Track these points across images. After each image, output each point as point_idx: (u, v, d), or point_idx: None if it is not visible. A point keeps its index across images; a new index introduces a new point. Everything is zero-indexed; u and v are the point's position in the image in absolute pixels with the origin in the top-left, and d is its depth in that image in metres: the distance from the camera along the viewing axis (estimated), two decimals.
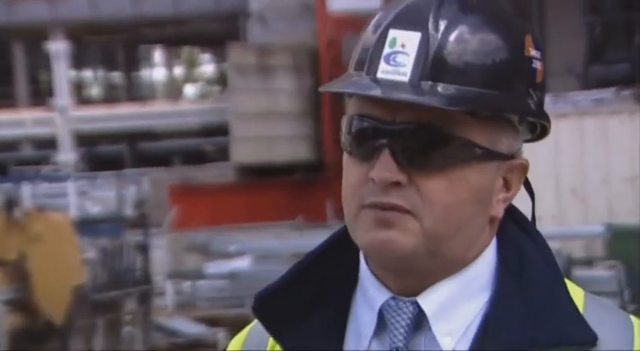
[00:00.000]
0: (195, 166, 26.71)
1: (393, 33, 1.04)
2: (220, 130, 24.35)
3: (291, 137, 20.60)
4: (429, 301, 1.06)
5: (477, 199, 1.05)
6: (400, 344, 1.06)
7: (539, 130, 1.12)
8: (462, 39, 1.04)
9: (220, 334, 11.06)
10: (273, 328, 1.11)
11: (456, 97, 1.02)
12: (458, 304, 1.06)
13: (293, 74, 20.67)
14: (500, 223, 1.10)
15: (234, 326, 11.43)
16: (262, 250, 12.67)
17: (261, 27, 23.65)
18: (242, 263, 12.43)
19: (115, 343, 9.94)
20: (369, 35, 1.07)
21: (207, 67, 46.10)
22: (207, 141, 30.05)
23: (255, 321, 1.16)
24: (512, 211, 1.11)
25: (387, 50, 1.04)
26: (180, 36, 35.62)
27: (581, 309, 1.07)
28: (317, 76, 20.82)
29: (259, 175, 20.88)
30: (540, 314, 1.05)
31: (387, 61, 1.04)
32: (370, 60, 1.05)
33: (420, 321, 1.06)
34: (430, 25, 1.04)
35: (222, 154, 25.01)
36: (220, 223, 16.17)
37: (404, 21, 1.05)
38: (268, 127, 20.24)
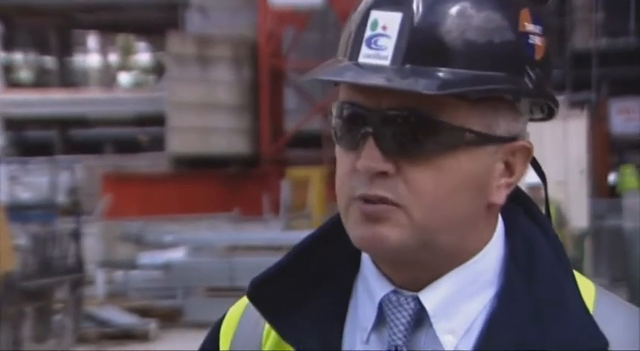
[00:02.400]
0: (128, 154, 26.53)
1: (374, 14, 0.99)
2: (155, 120, 24.20)
3: (228, 129, 20.55)
4: (431, 297, 1.01)
5: (471, 187, 1.00)
6: (399, 342, 1.01)
7: (547, 109, 1.06)
8: (448, 17, 0.98)
9: (152, 324, 11.02)
10: (269, 314, 1.07)
11: (442, 81, 0.97)
12: (461, 301, 1.01)
13: (232, 66, 20.63)
14: (508, 212, 1.05)
15: (166, 317, 11.47)
16: (197, 242, 12.65)
17: (200, 17, 23.53)
18: (176, 254, 12.40)
19: (44, 331, 9.87)
20: (353, 18, 1.01)
21: (143, 56, 45.61)
22: (142, 130, 29.84)
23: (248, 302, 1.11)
24: (523, 201, 1.07)
25: (368, 33, 0.99)
26: (116, 22, 35.16)
27: (591, 305, 1.02)
28: (256, 69, 20.82)
29: (194, 166, 20.85)
30: (548, 314, 1.00)
31: (369, 45, 0.98)
32: (352, 44, 1.00)
33: (420, 318, 1.01)
34: (414, 3, 0.98)
35: (157, 144, 24.87)
36: (153, 213, 16.09)
37: (386, 1, 0.99)
38: (205, 118, 20.18)
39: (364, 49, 0.99)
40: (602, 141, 18.57)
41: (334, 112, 1.03)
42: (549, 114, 1.07)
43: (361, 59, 0.99)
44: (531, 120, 1.06)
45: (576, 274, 1.04)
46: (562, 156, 11.73)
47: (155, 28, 30.23)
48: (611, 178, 19.59)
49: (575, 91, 20.00)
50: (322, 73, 1.01)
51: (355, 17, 1.01)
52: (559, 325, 0.99)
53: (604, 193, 16.86)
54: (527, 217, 1.06)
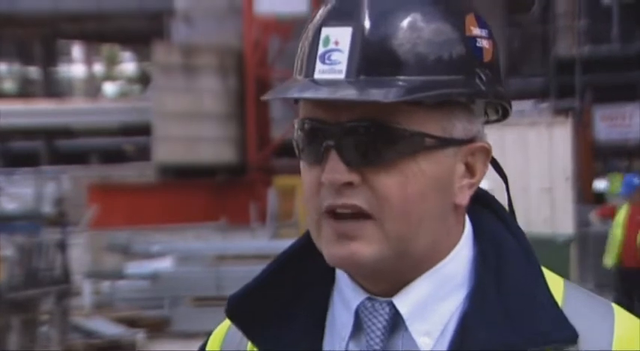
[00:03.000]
0: (114, 164, 26.49)
1: (325, 31, 1.01)
2: (141, 130, 24.19)
3: (215, 138, 20.56)
4: (405, 301, 1.03)
5: (435, 190, 1.02)
6: (377, 347, 1.03)
7: (501, 110, 1.09)
8: (397, 27, 1.00)
9: (139, 335, 10.97)
10: (249, 330, 1.09)
11: (396, 88, 0.98)
12: (434, 303, 1.03)
13: (218, 75, 20.65)
14: (476, 215, 1.08)
15: (154, 327, 11.44)
16: (185, 252, 12.62)
17: (186, 26, 23.52)
18: (163, 264, 12.36)
19: (30, 343, 9.81)
20: (305, 36, 1.03)
21: (128, 65, 45.59)
22: (127, 140, 29.81)
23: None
24: (489, 202, 1.09)
25: (321, 49, 1.01)
26: (100, 32, 35.12)
27: (560, 300, 1.04)
28: (242, 78, 20.84)
29: (181, 175, 20.83)
30: (519, 311, 1.01)
31: (323, 61, 1.00)
32: (307, 62, 1.02)
33: (396, 322, 1.03)
34: (362, 17, 1.00)
35: (142, 154, 24.87)
36: (140, 222, 16.06)
37: (335, 17, 1.01)
38: (191, 127, 20.18)
39: (319, 65, 1.01)
40: (586, 148, 18.64)
41: (296, 124, 1.05)
42: (504, 114, 1.09)
43: (317, 75, 1.01)
44: (487, 122, 1.09)
45: (545, 270, 1.06)
46: (547, 163, 11.76)
47: (140, 38, 30.23)
48: (599, 184, 19.64)
49: (559, 99, 20.09)
50: (278, 92, 1.04)
51: (307, 35, 1.03)
52: (529, 320, 1.01)
53: (589, 200, 16.90)
54: (494, 218, 1.08)
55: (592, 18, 22.00)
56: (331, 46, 1.00)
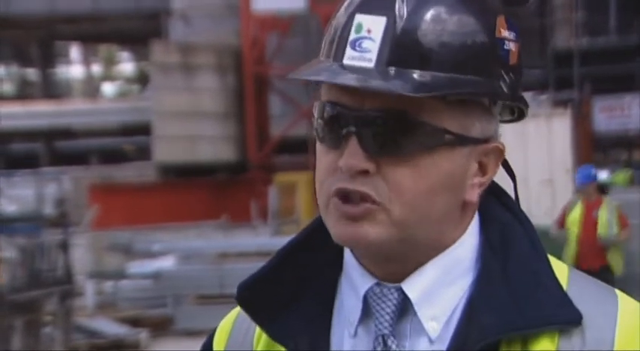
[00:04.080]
0: (114, 165, 26.48)
1: (358, 18, 1.01)
2: (140, 129, 24.19)
3: (214, 137, 20.54)
4: (413, 286, 1.04)
5: (447, 186, 1.03)
6: (386, 331, 1.04)
7: (517, 112, 1.10)
8: (430, 22, 1.01)
9: (143, 334, 10.98)
10: (258, 316, 1.10)
11: (423, 83, 0.99)
12: (442, 289, 1.04)
13: (216, 73, 20.63)
14: (484, 204, 1.08)
15: (157, 327, 11.44)
16: (187, 250, 12.61)
17: (183, 25, 23.49)
18: (166, 263, 12.35)
19: (33, 343, 9.82)
20: (337, 20, 1.04)
21: (126, 66, 45.56)
22: (127, 140, 29.80)
23: (239, 309, 1.14)
24: (498, 193, 1.10)
25: (353, 36, 1.01)
26: (98, 33, 35.10)
27: (565, 285, 1.05)
28: (241, 76, 20.81)
29: (181, 174, 20.82)
30: (524, 295, 1.02)
31: (353, 47, 1.01)
32: (337, 46, 1.02)
33: (405, 307, 1.04)
34: (397, 8, 1.01)
35: (142, 154, 24.87)
36: (141, 222, 16.06)
37: (370, 5, 1.01)
38: (191, 126, 20.16)
39: (349, 51, 1.01)
40: (585, 139, 18.62)
41: (316, 112, 1.05)
42: (519, 116, 1.11)
43: (346, 61, 1.01)
44: (501, 122, 1.09)
45: (550, 257, 1.07)
46: (547, 155, 11.78)
47: (138, 38, 30.22)
48: (601, 176, 19.65)
49: (558, 90, 20.08)
50: (307, 73, 1.04)
51: (339, 20, 1.03)
52: (535, 303, 1.02)
53: None
54: (500, 206, 1.09)
55: (589, 10, 21.99)
56: (363, 33, 1.01)
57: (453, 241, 1.06)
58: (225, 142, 20.75)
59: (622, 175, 18.91)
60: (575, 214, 8.95)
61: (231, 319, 1.16)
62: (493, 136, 1.06)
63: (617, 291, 1.07)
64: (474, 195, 1.05)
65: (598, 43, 22.04)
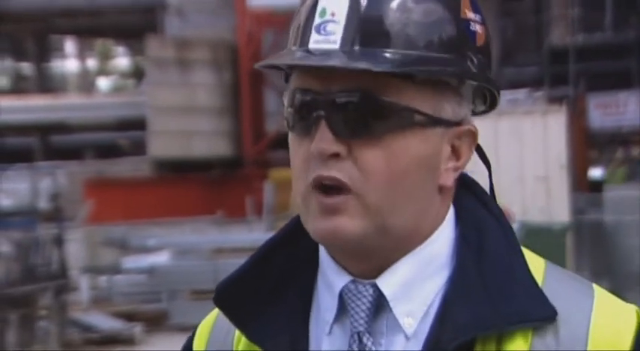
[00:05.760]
0: (109, 159, 26.44)
1: (322, 3, 1.01)
2: (135, 124, 24.13)
3: (210, 132, 20.51)
4: (388, 282, 1.03)
5: (421, 168, 1.01)
6: (361, 328, 1.03)
7: (489, 99, 1.08)
8: (392, 2, 1.01)
9: (137, 328, 10.99)
10: (236, 318, 1.08)
11: (389, 60, 0.99)
12: (417, 284, 1.03)
13: (212, 69, 20.60)
14: (458, 198, 1.07)
15: (152, 321, 11.44)
16: (182, 245, 12.65)
17: (179, 20, 23.45)
18: (160, 258, 12.36)
19: (28, 338, 9.82)
20: (301, 9, 1.04)
21: (122, 60, 45.46)
22: (122, 135, 29.74)
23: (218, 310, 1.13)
24: (471, 185, 1.09)
25: (317, 20, 1.01)
26: (93, 27, 34.99)
27: (540, 280, 1.04)
28: (236, 71, 20.80)
29: (176, 169, 20.80)
30: (500, 292, 1.01)
31: (318, 31, 1.01)
32: (302, 32, 1.02)
33: (380, 303, 1.03)
34: None
35: (138, 148, 24.82)
36: (136, 217, 16.05)
37: None
38: (186, 121, 20.14)
39: (314, 36, 1.01)
40: (580, 136, 18.62)
41: (286, 101, 1.04)
42: (492, 104, 1.09)
43: (311, 45, 1.01)
44: (474, 113, 1.08)
45: (526, 251, 1.06)
46: (542, 151, 11.77)
47: (133, 32, 30.11)
48: (595, 172, 19.67)
49: (553, 87, 20.10)
50: (271, 59, 1.04)
51: (304, 8, 1.03)
52: (509, 300, 1.00)
53: (585, 188, 16.91)
54: (476, 201, 1.08)
55: (585, 6, 22.00)
56: (327, 17, 1.00)
57: (431, 232, 1.04)
58: (221, 137, 20.73)
59: (620, 173, 18.89)
60: None
61: (211, 320, 1.15)
62: (465, 119, 1.05)
63: (595, 286, 1.06)
64: (449, 179, 1.04)
65: (593, 40, 22.03)
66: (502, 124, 11.32)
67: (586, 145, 19.86)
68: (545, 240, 9.81)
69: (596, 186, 17.33)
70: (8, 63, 40.79)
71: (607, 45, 21.83)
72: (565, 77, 20.88)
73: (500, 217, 1.07)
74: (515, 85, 17.90)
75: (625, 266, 10.73)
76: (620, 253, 11.28)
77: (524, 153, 11.56)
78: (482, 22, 1.05)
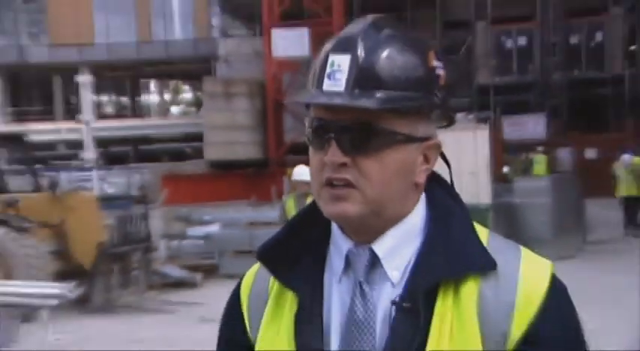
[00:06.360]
0: (179, 162, 26.43)
1: (332, 57, 0.99)
2: (196, 137, 24.12)
3: (246, 142, 20.46)
4: (380, 247, 1.02)
5: (403, 172, 1.01)
6: (362, 279, 1.02)
7: (448, 119, 1.08)
8: (379, 58, 0.98)
9: (198, 277, 10.96)
10: (273, 269, 1.06)
11: (381, 99, 0.97)
12: (400, 248, 1.02)
13: (248, 99, 20.54)
14: (432, 189, 1.06)
15: (208, 272, 11.38)
16: (227, 220, 12.59)
17: (226, 67, 23.49)
18: (213, 228, 12.32)
19: (126, 282, 9.79)
20: (318, 60, 1.01)
21: (187, 94, 45.51)
22: (187, 145, 29.74)
23: (259, 264, 1.11)
24: (440, 180, 1.08)
25: (328, 70, 0.99)
26: (169, 72, 35.13)
27: (485, 243, 1.02)
28: (265, 101, 20.73)
29: (224, 168, 20.75)
30: (457, 251, 1.00)
31: (329, 78, 0.99)
32: (318, 78, 1.00)
33: (374, 262, 1.02)
34: (357, 49, 0.98)
35: (198, 154, 24.78)
36: (196, 201, 16.02)
37: (339, 47, 0.99)
38: (230, 135, 20.10)
39: (326, 81, 0.99)
40: (498, 145, 18.59)
41: (307, 124, 1.03)
42: (450, 122, 1.07)
43: (324, 87, 0.99)
44: (439, 128, 1.06)
45: (475, 224, 1.04)
46: (473, 155, 11.74)
47: (195, 75, 30.13)
48: (505, 169, 19.66)
49: (480, 111, 20.10)
50: (299, 97, 1.03)
51: (319, 60, 1.01)
52: (464, 256, 1.00)
53: (500, 180, 16.90)
54: (443, 191, 1.06)
55: (499, 57, 22.04)
56: (335, 67, 0.99)
57: (409, 212, 1.03)
58: (254, 146, 20.68)
59: (541, 164, 18.50)
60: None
61: (253, 271, 1.13)
62: (433, 135, 1.04)
63: (521, 246, 1.04)
64: (422, 178, 1.03)
65: (505, 80, 22.07)
66: (447, 136, 11.29)
67: (501, 150, 19.84)
68: (474, 216, 9.66)
69: (506, 178, 17.26)
70: (113, 97, 40.86)
71: (514, 84, 21.88)
72: (488, 105, 20.87)
73: (460, 202, 1.06)
74: (455, 110, 17.85)
75: (527, 233, 10.71)
76: (524, 224, 11.25)
77: (461, 156, 11.57)
78: (444, 68, 1.04)
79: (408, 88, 0.99)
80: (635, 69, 21.67)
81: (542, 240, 10.14)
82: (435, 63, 1.02)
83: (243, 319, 1.10)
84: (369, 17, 1.02)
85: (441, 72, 1.03)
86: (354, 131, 0.98)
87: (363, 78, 0.98)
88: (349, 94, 0.97)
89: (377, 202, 0.99)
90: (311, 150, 1.02)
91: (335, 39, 1.01)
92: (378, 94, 0.97)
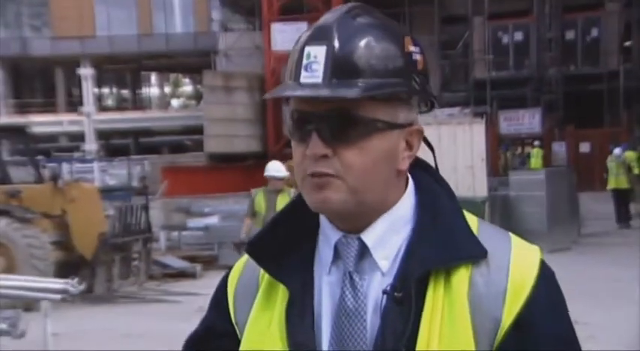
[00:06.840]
0: (178, 154, 26.41)
1: (307, 49, 0.97)
2: (196, 130, 24.08)
3: (246, 135, 20.43)
4: (369, 236, 1.00)
5: (385, 160, 0.98)
6: (351, 269, 1.00)
7: (429, 103, 1.04)
8: (356, 46, 0.95)
9: (197, 267, 10.96)
10: (262, 262, 1.04)
11: (357, 88, 0.94)
12: (389, 237, 1.00)
13: (247, 93, 20.51)
14: (418, 176, 1.04)
15: (207, 262, 11.39)
16: (226, 212, 12.58)
17: (226, 60, 23.42)
18: (212, 220, 12.32)
19: (126, 272, 9.79)
20: (294, 52, 0.99)
21: (187, 87, 45.39)
22: (187, 137, 29.70)
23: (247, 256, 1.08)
24: (427, 167, 1.06)
25: (305, 61, 0.96)
26: (169, 66, 35.01)
27: (475, 231, 1.01)
28: (264, 94, 20.63)
29: (223, 160, 20.74)
30: (447, 239, 0.98)
31: (306, 70, 0.96)
32: (295, 70, 0.97)
33: (363, 251, 1.00)
34: (332, 39, 0.96)
35: (197, 146, 24.76)
36: (196, 192, 16.00)
37: (314, 39, 0.97)
38: (230, 128, 20.06)
39: (303, 73, 0.97)
40: (494, 139, 18.60)
41: (288, 117, 1.00)
42: (431, 106, 1.04)
43: (302, 80, 0.97)
44: (420, 112, 1.03)
45: (465, 212, 1.02)
46: (469, 149, 11.74)
47: (195, 69, 30.05)
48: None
49: (477, 106, 20.07)
50: (277, 91, 1.00)
51: (295, 52, 0.98)
52: (454, 243, 0.98)
53: (496, 173, 16.90)
54: (430, 178, 1.04)
55: (496, 53, 22.01)
56: (312, 59, 0.96)
57: (395, 202, 1.00)
58: (253, 139, 20.65)
59: (537, 158, 18.55)
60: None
61: (241, 264, 1.10)
62: (414, 121, 1.01)
63: (511, 234, 1.02)
64: (405, 165, 1.01)
65: (502, 75, 22.04)
66: (443, 131, 11.30)
67: (497, 145, 19.82)
68: (471, 208, 9.66)
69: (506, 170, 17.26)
70: (114, 90, 40.77)
71: (511, 78, 21.84)
72: (484, 100, 20.85)
73: (447, 188, 1.04)
74: (451, 104, 17.86)
75: (522, 225, 10.72)
76: (519, 216, 11.27)
77: (457, 150, 11.56)
78: (421, 52, 1.00)
79: (386, 75, 0.96)
80: (630, 64, 21.64)
81: (538, 232, 10.15)
82: (412, 48, 0.99)
83: (227, 308, 1.08)
84: (344, 6, 0.99)
85: (418, 57, 0.99)
86: (334, 121, 0.96)
87: (340, 68, 0.95)
88: (327, 85, 0.95)
89: (360, 190, 0.97)
90: (293, 143, 1.00)
91: (310, 30, 0.98)
92: (358, 83, 0.95)
